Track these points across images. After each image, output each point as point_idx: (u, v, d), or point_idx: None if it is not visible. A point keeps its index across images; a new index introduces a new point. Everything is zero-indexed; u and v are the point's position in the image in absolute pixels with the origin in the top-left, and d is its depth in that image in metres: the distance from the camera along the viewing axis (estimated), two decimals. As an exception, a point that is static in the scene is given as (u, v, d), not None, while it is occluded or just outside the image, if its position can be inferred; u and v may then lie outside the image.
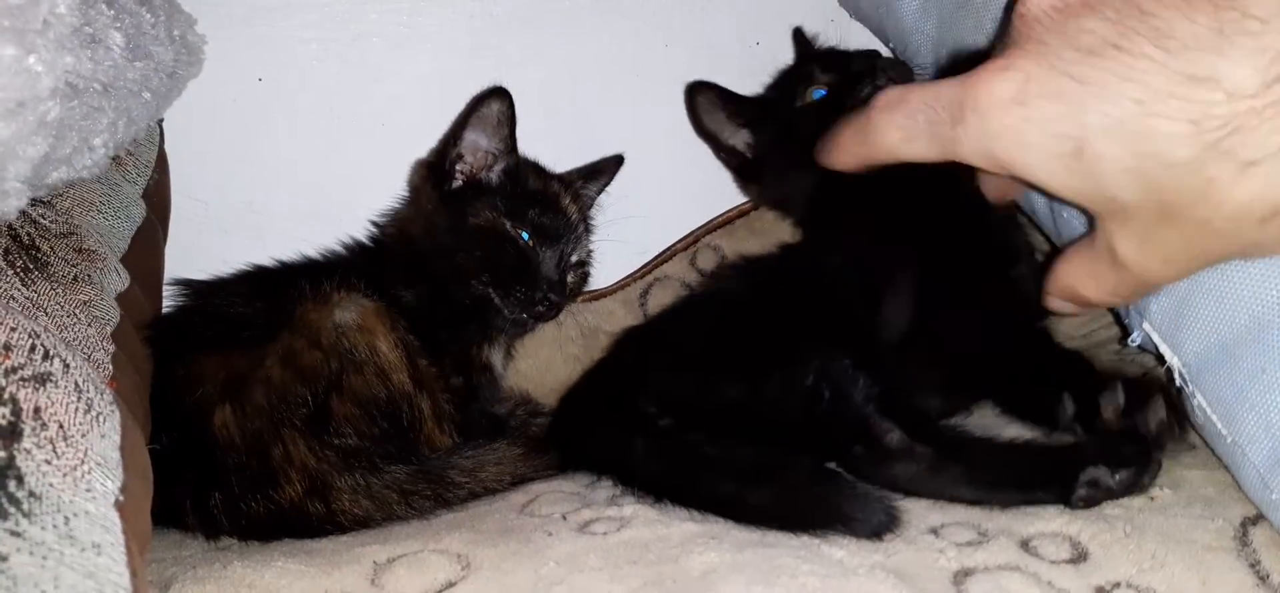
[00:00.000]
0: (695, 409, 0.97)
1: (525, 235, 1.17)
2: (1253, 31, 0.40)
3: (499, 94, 1.15)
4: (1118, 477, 0.79)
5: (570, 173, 1.31)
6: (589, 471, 0.96)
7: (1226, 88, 0.41)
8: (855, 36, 1.43)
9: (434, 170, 1.20)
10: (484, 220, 1.17)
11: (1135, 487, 0.80)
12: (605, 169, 1.34)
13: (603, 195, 1.37)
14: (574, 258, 1.25)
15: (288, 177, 1.36)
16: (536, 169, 1.26)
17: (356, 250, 1.22)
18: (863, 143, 0.58)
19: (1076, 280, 0.55)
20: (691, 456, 0.90)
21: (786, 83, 1.28)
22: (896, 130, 0.57)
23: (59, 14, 0.74)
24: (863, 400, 0.91)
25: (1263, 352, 0.72)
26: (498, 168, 1.19)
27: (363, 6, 1.33)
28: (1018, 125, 0.47)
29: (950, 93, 0.51)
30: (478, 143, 1.18)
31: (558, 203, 1.23)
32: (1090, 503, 0.79)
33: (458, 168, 1.19)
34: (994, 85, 0.48)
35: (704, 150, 1.47)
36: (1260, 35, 0.40)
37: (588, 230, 1.30)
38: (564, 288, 1.21)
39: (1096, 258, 0.51)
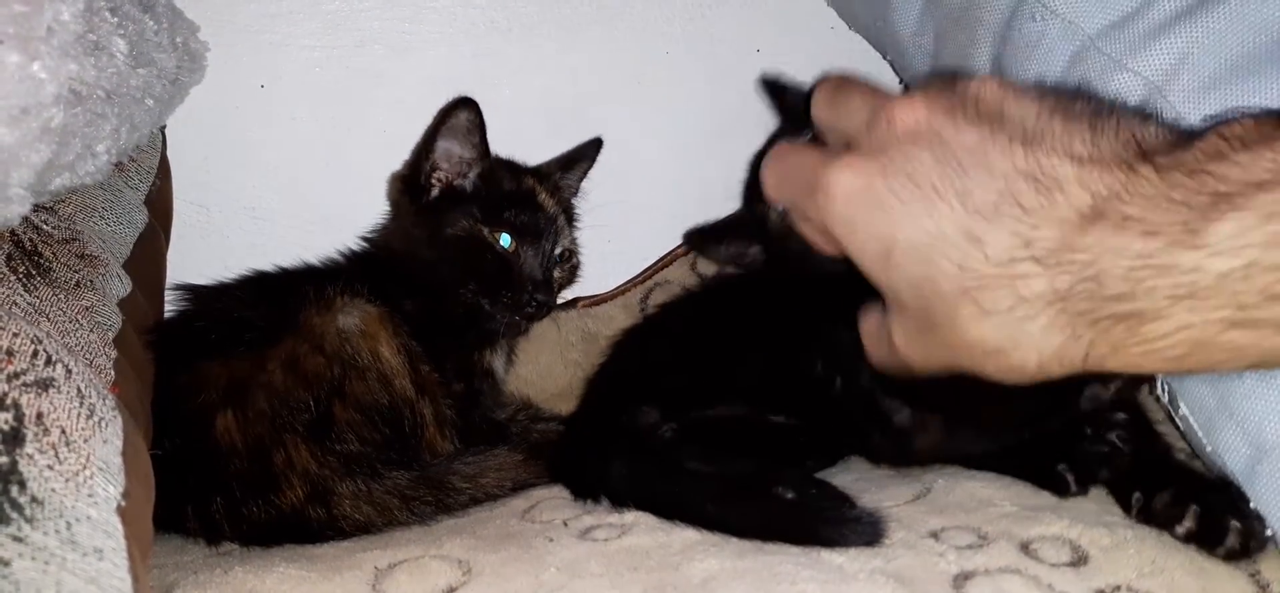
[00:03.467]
0: (698, 412, 0.98)
1: (504, 239, 1.16)
2: (1016, 216, 0.51)
3: (466, 104, 1.14)
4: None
5: (546, 165, 1.29)
6: (582, 496, 0.96)
7: (986, 251, 0.52)
8: (854, 45, 1.43)
9: (409, 183, 1.20)
10: (461, 229, 1.16)
11: None
12: (584, 154, 1.31)
13: (601, 195, 1.35)
14: (558, 251, 1.23)
15: (290, 183, 1.36)
16: (510, 168, 1.24)
17: (357, 257, 1.22)
18: (768, 190, 0.69)
19: (865, 336, 0.66)
20: (674, 476, 0.91)
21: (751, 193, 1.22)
22: (771, 181, 0.67)
23: (63, 21, 0.75)
24: (868, 383, 0.94)
25: None
26: (472, 174, 1.18)
27: (364, 13, 1.34)
28: (851, 216, 0.57)
29: (813, 165, 0.60)
30: (450, 151, 1.17)
31: (534, 199, 1.21)
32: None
33: (433, 179, 1.18)
34: (844, 177, 0.57)
35: (704, 156, 1.47)
36: (1019, 222, 0.51)
37: (570, 221, 1.28)
38: (551, 286, 1.20)
39: (879, 329, 0.63)
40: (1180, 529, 0.73)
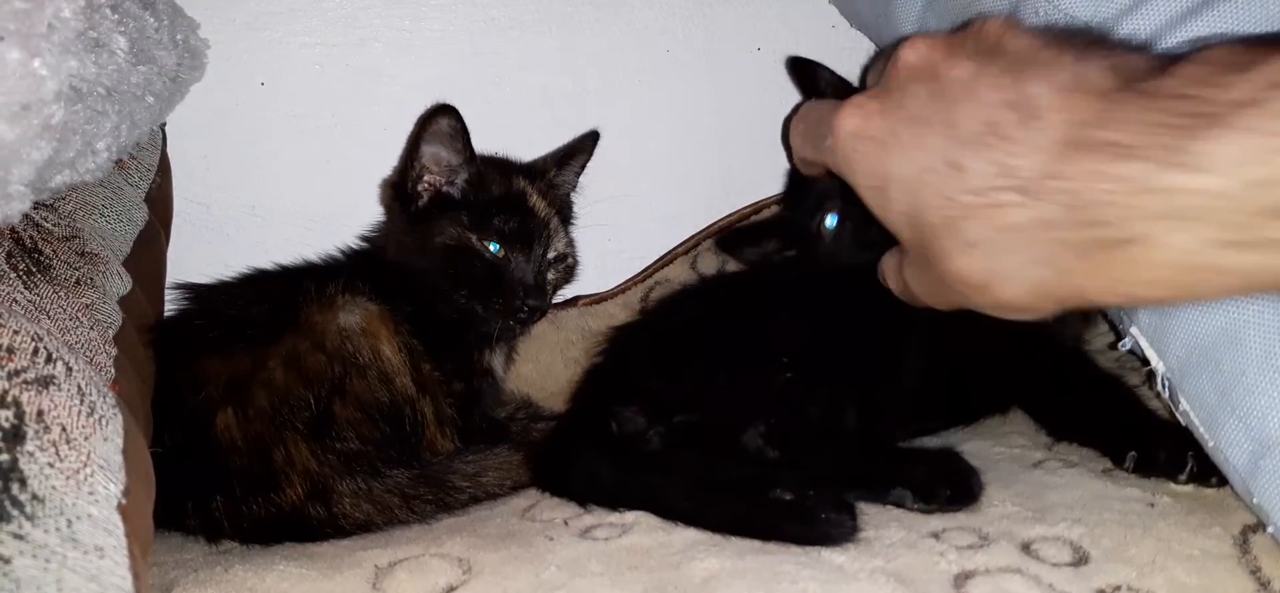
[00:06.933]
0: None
1: (493, 247, 1.15)
2: (997, 144, 0.51)
3: (446, 110, 1.12)
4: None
5: (540, 161, 1.27)
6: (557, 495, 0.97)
7: (968, 181, 0.52)
8: (856, 42, 1.43)
9: (399, 190, 1.19)
10: (449, 238, 1.15)
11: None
12: (581, 148, 1.29)
13: (601, 192, 1.34)
14: (551, 255, 1.22)
15: (290, 180, 1.36)
16: (500, 168, 1.22)
17: (357, 255, 1.22)
18: (794, 148, 0.72)
19: (886, 269, 0.67)
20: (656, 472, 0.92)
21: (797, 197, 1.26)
22: (796, 136, 0.70)
23: (63, 18, 0.75)
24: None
25: (1241, 355, 0.73)
26: (459, 179, 1.17)
27: (365, 11, 1.34)
28: (852, 152, 0.59)
29: (827, 111, 0.61)
30: (435, 158, 1.16)
31: (524, 202, 1.19)
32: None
33: (419, 187, 1.17)
34: (847, 117, 0.59)
35: (704, 154, 1.47)
36: (999, 151, 0.51)
37: (565, 221, 1.27)
38: (544, 290, 1.19)
39: (894, 267, 0.65)
40: (1182, 476, 0.83)
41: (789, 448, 0.96)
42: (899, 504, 0.86)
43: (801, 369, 1.00)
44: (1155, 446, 0.86)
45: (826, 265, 1.16)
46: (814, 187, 1.17)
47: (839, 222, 1.14)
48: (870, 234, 1.02)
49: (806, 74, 1.30)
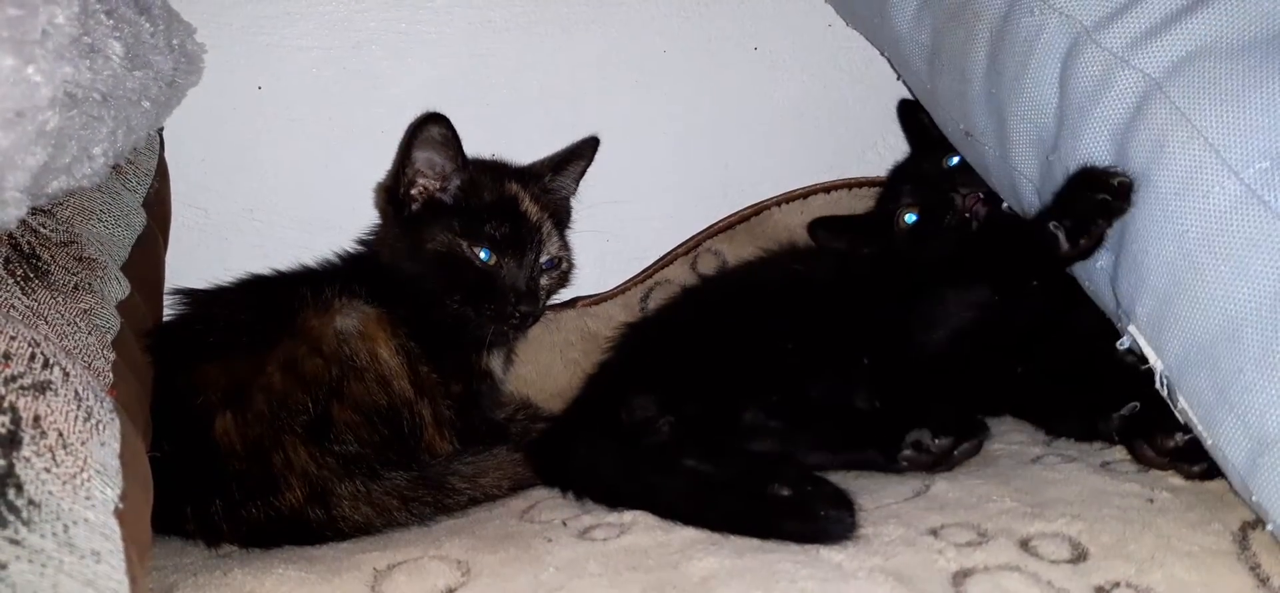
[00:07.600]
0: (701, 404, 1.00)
1: (484, 254, 1.14)
2: None
3: (435, 119, 1.12)
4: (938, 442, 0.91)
5: (536, 165, 1.27)
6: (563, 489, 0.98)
7: None
8: (852, 42, 1.43)
9: (392, 195, 1.19)
10: (440, 244, 1.14)
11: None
12: (579, 154, 1.28)
13: (599, 194, 1.33)
14: (544, 259, 1.21)
15: (288, 184, 1.36)
16: (493, 173, 1.22)
17: (354, 259, 1.22)
18: None
19: None
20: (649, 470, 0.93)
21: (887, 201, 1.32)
22: None
23: (58, 24, 0.75)
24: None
25: (1239, 352, 0.72)
26: (452, 185, 1.17)
27: (362, 15, 1.34)
28: None
29: None
30: (430, 161, 1.16)
31: (517, 208, 1.19)
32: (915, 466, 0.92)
33: (412, 192, 1.17)
34: None
35: (702, 154, 1.47)
36: None
37: (560, 225, 1.26)
38: (536, 296, 1.19)
39: None
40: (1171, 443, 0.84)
41: (790, 422, 0.99)
42: (917, 447, 0.92)
43: (804, 354, 1.03)
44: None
45: (900, 255, 1.22)
46: (903, 187, 1.26)
47: (917, 220, 1.21)
48: (938, 236, 1.16)
49: (913, 118, 1.36)
